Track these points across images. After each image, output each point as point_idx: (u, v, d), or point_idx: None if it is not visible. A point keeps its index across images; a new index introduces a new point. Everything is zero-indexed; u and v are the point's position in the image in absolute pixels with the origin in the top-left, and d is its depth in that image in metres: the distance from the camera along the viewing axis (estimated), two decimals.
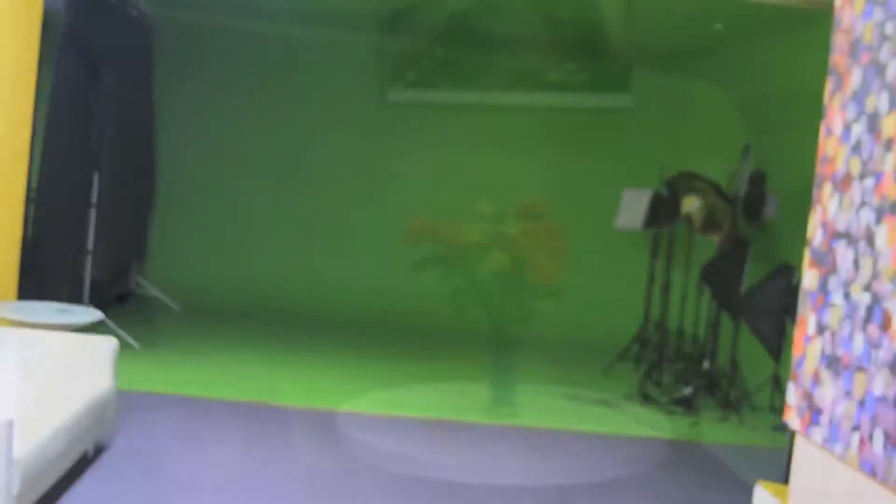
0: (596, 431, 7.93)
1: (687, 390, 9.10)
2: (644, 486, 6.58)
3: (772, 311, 8.66)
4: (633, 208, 10.78)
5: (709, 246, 10.82)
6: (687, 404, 8.96)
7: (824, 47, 9.05)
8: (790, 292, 8.45)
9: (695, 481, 6.78)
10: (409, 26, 11.39)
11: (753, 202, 9.32)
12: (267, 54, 12.12)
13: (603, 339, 11.47)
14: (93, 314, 7.45)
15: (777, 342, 8.55)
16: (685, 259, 10.70)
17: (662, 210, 10.14)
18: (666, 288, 10.46)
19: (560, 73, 12.24)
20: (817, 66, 9.24)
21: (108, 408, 5.97)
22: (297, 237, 12.35)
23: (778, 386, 8.67)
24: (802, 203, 9.84)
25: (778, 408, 8.64)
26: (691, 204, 10.17)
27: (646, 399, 9.10)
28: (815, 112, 9.93)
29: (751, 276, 9.47)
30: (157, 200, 11.95)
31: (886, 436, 3.49)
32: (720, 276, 9.88)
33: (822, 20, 8.28)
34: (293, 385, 8.45)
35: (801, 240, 9.97)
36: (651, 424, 8.31)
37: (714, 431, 8.28)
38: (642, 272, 11.55)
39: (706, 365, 9.55)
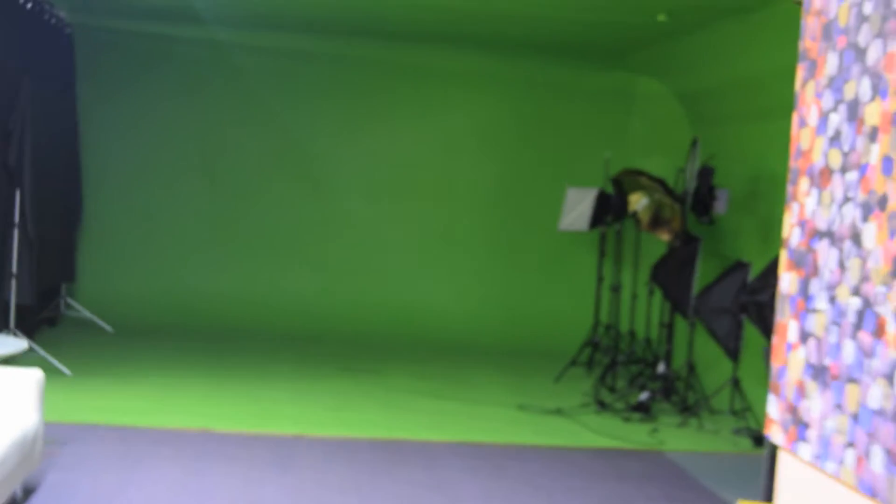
0: (552, 444, 7.60)
1: (643, 395, 8.82)
2: (609, 502, 6.26)
3: (727, 310, 8.41)
4: (577, 208, 10.49)
5: (657, 244, 10.60)
6: (644, 410, 8.68)
7: (771, 35, 8.92)
8: (745, 290, 8.20)
9: (662, 494, 6.48)
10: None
11: (702, 198, 9.05)
12: (195, 59, 11.65)
13: (553, 345, 11.22)
14: (16, 345, 6.97)
15: (734, 343, 8.30)
16: (633, 258, 10.43)
17: (609, 209, 9.85)
18: (615, 289, 10.20)
19: (501, 66, 11.90)
20: (762, 55, 9.09)
21: (35, 445, 5.53)
22: (235, 249, 11.92)
23: (737, 388, 8.40)
24: (751, 197, 9.70)
25: (738, 411, 8.39)
26: (637, 201, 9.92)
27: (601, 406, 8.80)
28: (760, 102, 9.85)
29: (702, 274, 9.23)
30: (84, 216, 11.45)
31: (887, 453, 3.19)
32: (670, 275, 9.62)
33: (768, 6, 8.05)
34: (235, 409, 8.03)
35: (752, 235, 9.83)
36: (609, 433, 8.00)
37: (674, 438, 8.00)
38: (590, 274, 11.32)
39: (661, 368, 9.29)
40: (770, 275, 7.71)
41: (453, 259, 12.07)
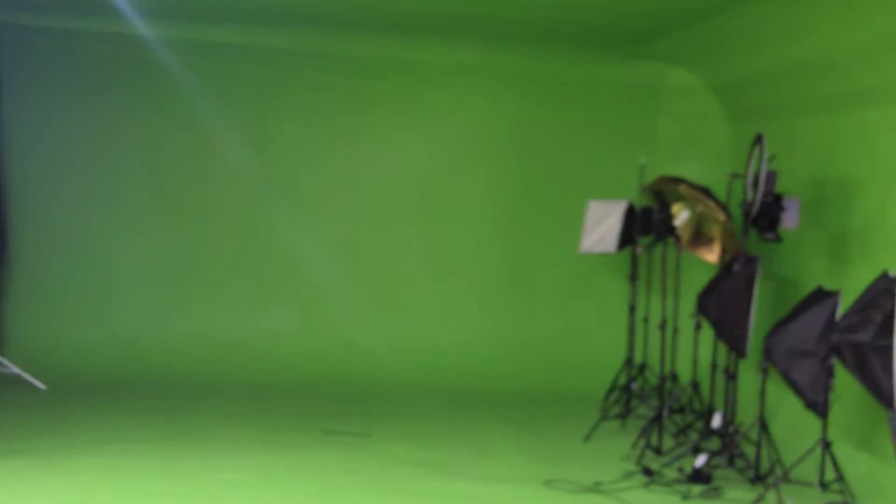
0: None
1: (700, 460, 6.98)
2: None
3: (810, 353, 6.56)
4: (602, 225, 8.75)
5: (700, 267, 8.84)
6: (704, 480, 6.84)
7: (843, 5, 7.09)
8: (835, 327, 6.35)
9: None
10: None
11: (767, 209, 7.20)
12: (139, 58, 9.82)
13: (576, 389, 9.48)
14: None
15: (821, 395, 6.44)
16: (674, 284, 8.59)
17: (647, 225, 8.06)
18: (662, 326, 8.37)
19: (504, 59, 10.08)
20: (832, 32, 7.26)
21: None
22: (192, 284, 10.15)
23: (829, 453, 6.52)
24: (815, 206, 7.90)
25: (830, 483, 6.51)
26: (677, 215, 8.14)
27: (649, 475, 6.95)
28: (825, 91, 8.03)
29: (763, 303, 7.44)
30: (7, 250, 9.62)
31: None
32: (722, 306, 7.82)
33: None
34: (194, 487, 6.21)
35: (817, 253, 7.99)
36: None
37: None
38: (619, 303, 9.58)
39: (717, 421, 7.45)
40: (871, 307, 5.91)
41: (454, 290, 10.28)
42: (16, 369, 9.12)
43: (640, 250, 8.41)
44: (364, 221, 10.21)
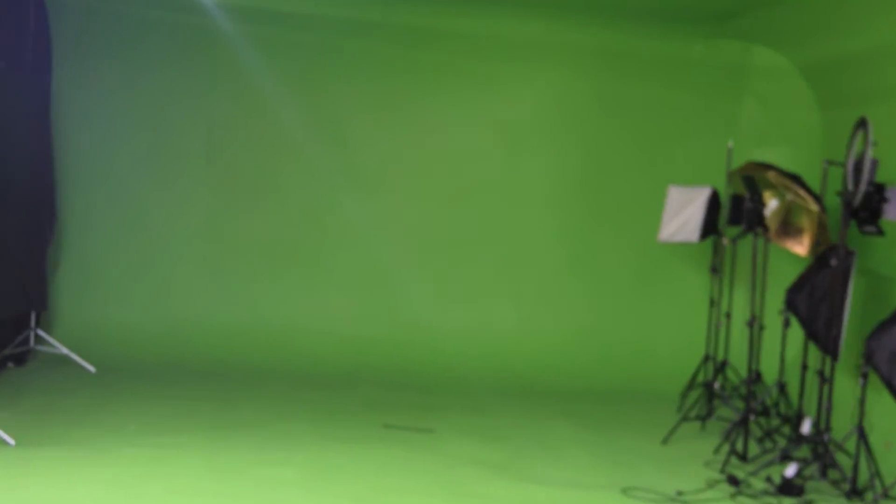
0: None
1: (789, 469, 6.44)
2: None
3: None
4: (683, 213, 8.21)
5: (787, 259, 8.30)
6: (796, 492, 6.30)
7: None
8: None
9: None
10: None
11: (869, 200, 6.61)
12: (195, 29, 9.42)
13: (649, 387, 9.01)
14: None
15: None
16: (761, 277, 8.01)
17: (738, 214, 7.51)
18: (751, 322, 7.81)
19: (577, 35, 9.54)
20: None
21: None
22: (246, 267, 9.70)
23: None
24: None
25: None
26: (765, 203, 7.58)
27: (735, 485, 6.42)
28: None
29: (856, 301, 6.90)
30: (58, 230, 9.24)
31: None
32: (813, 302, 7.27)
33: None
34: (244, 485, 5.80)
35: None
36: None
37: None
38: (697, 296, 9.13)
39: (806, 427, 6.91)
40: None
41: (521, 278, 9.77)
42: (64, 350, 8.75)
43: (726, 241, 7.84)
44: (427, 203, 9.72)
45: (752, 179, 7.03)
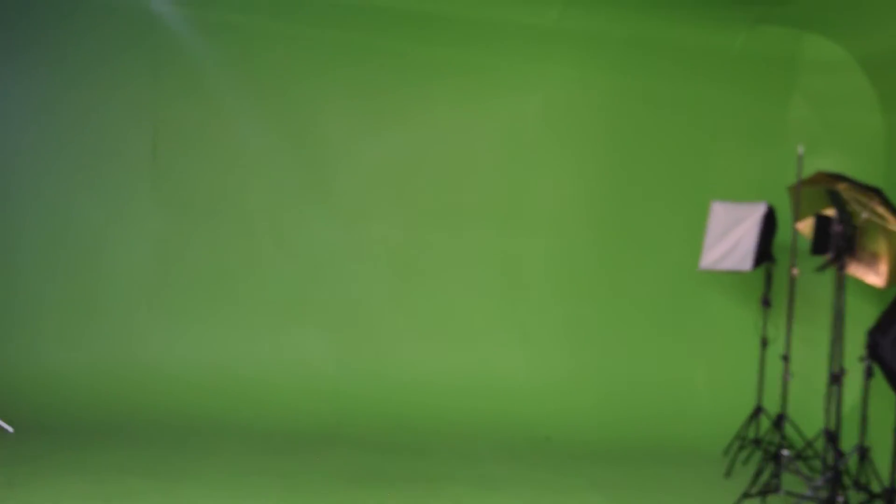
0: None
1: None
2: None
3: None
4: (731, 235, 6.90)
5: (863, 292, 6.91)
6: None
7: None
8: None
9: None
10: None
11: None
12: (138, 15, 7.89)
13: (685, 445, 7.64)
14: None
15: None
16: (831, 313, 6.55)
17: (822, 239, 6.03)
18: (836, 377, 6.34)
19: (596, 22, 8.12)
20: None
21: None
22: (205, 300, 8.16)
23: None
24: None
25: None
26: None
27: None
28: None
29: None
30: None
31: None
32: None
33: None
34: None
35: None
36: None
37: None
38: (741, 335, 7.82)
39: None
40: None
41: (531, 312, 8.31)
42: None
43: (796, 272, 6.34)
44: (417, 226, 8.25)
45: (838, 195, 5.56)
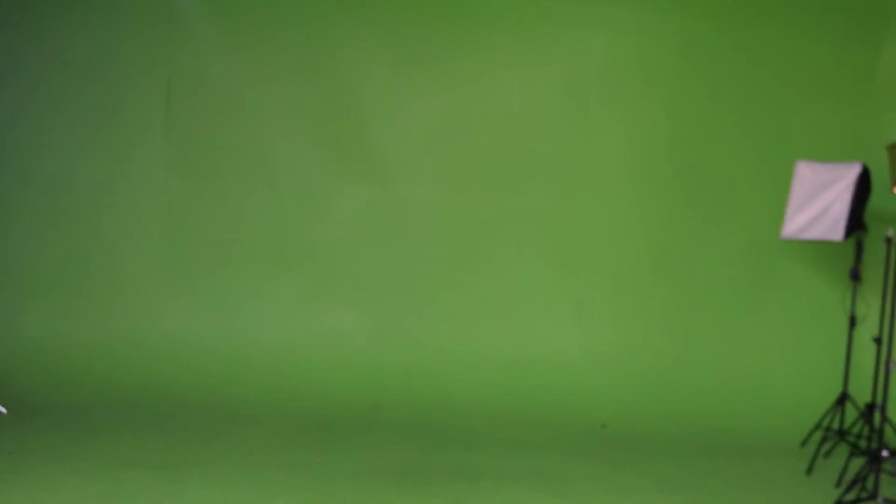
0: None
1: None
2: None
3: None
4: (818, 200, 6.11)
5: None
6: None
7: None
8: None
9: None
10: None
11: None
12: None
13: (764, 435, 6.75)
14: None
15: None
16: None
17: None
18: None
19: None
20: None
21: None
22: (223, 268, 7.46)
23: None
24: None
25: None
26: None
27: None
28: None
29: None
30: None
31: None
32: None
33: None
34: None
35: None
36: None
37: None
38: (828, 312, 6.91)
39: None
40: None
41: (587, 288, 7.46)
42: None
43: (892, 233, 5.53)
44: (461, 188, 7.44)
45: None
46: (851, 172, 5.93)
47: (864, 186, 5.98)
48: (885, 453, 5.33)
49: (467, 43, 7.36)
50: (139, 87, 7.26)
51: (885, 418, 5.72)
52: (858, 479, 5.28)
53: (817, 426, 6.40)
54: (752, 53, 7.31)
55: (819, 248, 7.03)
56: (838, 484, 5.59)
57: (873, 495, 5.22)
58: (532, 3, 7.30)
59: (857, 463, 5.92)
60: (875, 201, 6.33)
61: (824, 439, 6.23)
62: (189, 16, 7.25)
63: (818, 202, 6.04)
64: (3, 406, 6.34)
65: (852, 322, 6.30)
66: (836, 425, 6.43)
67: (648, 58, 7.34)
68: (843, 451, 6.29)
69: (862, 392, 6.47)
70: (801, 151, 6.71)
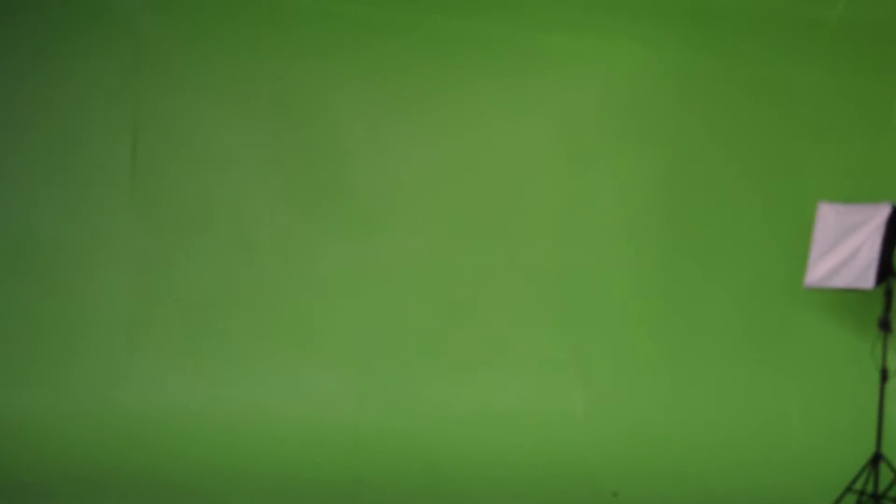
0: None
1: None
2: None
3: None
4: (845, 245, 5.64)
5: None
6: None
7: None
8: None
9: None
10: None
11: None
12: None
13: (782, 497, 6.32)
14: None
15: None
16: None
17: None
18: None
19: None
20: None
21: None
22: (195, 329, 6.84)
23: None
24: None
25: None
26: None
27: None
28: None
29: None
30: None
31: None
32: None
33: None
34: None
35: None
36: None
37: None
38: (852, 365, 6.53)
39: None
40: None
41: (587, 342, 6.95)
42: None
43: None
44: (450, 241, 6.94)
45: None
46: (880, 214, 5.51)
47: (894, 229, 5.55)
48: None
49: (457, 85, 6.89)
50: (103, 137, 6.77)
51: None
52: None
53: (848, 489, 5.92)
54: (760, 88, 6.91)
55: (843, 295, 6.58)
56: None
57: None
58: (525, 43, 6.87)
59: None
60: None
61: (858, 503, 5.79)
62: (156, 61, 6.79)
63: (844, 247, 5.63)
64: None
65: (884, 375, 5.85)
66: (869, 489, 5.95)
67: (647, 96, 6.89)
68: None
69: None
70: (818, 192, 6.30)
